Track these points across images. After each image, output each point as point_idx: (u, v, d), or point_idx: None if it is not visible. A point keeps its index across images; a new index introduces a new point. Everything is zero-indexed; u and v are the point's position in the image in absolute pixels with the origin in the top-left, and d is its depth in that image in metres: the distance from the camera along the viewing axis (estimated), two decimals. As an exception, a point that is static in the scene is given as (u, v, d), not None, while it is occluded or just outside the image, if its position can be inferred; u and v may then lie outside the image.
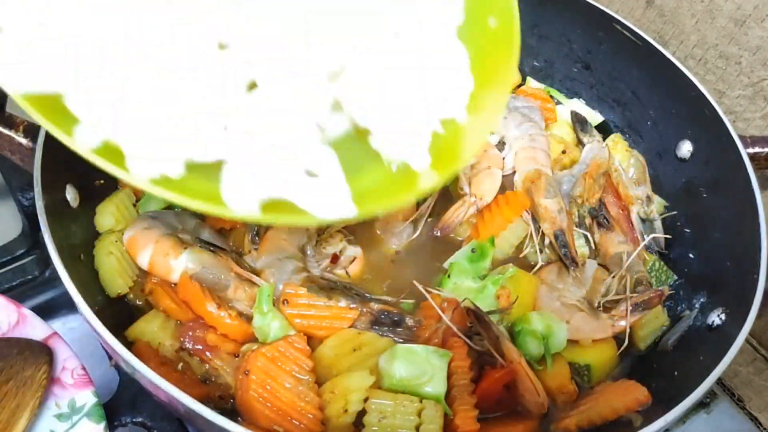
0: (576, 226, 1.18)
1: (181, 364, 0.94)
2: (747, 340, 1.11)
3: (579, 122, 1.36)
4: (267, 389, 0.86)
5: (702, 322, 1.03)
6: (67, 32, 0.57)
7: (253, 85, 0.62)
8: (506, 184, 1.22)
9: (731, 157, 1.10)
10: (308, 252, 1.05)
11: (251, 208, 0.60)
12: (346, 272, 1.07)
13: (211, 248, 1.00)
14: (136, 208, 1.10)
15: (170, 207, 1.09)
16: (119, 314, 0.98)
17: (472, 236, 1.14)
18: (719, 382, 1.24)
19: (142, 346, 0.93)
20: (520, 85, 1.45)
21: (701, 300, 1.08)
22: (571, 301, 1.06)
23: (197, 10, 0.60)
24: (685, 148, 1.24)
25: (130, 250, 1.01)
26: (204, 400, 0.73)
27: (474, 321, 0.96)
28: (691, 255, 1.18)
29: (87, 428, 0.86)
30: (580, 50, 1.41)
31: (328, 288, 0.98)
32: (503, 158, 1.26)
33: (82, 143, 0.57)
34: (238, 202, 0.60)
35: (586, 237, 1.18)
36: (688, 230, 1.22)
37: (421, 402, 0.87)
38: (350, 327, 0.96)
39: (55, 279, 0.91)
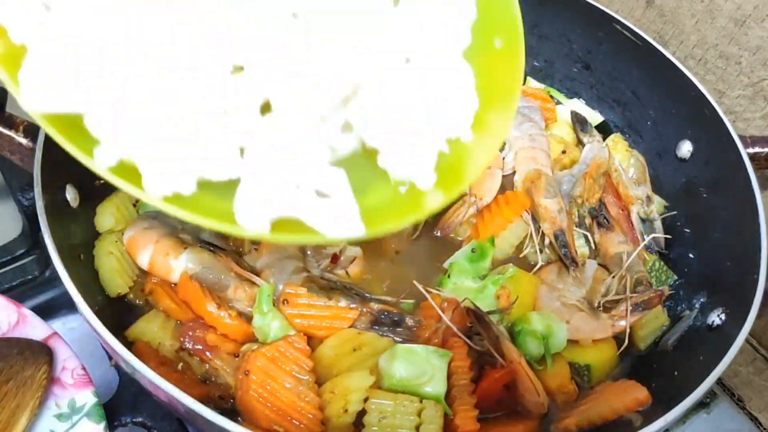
0: (576, 226, 1.18)
1: (181, 364, 0.94)
2: (747, 340, 1.11)
3: (579, 122, 1.36)
4: (267, 389, 0.86)
5: (702, 322, 1.03)
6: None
7: (266, 107, 0.62)
8: (506, 184, 1.22)
9: (731, 157, 1.10)
10: (308, 252, 1.05)
11: (263, 228, 0.61)
12: (346, 272, 1.07)
13: (211, 248, 1.00)
14: (136, 208, 1.10)
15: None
16: (119, 314, 0.98)
17: (472, 236, 1.14)
18: (719, 382, 1.24)
19: (142, 346, 0.92)
20: (519, 86, 1.45)
21: (701, 300, 1.08)
22: (571, 301, 1.06)
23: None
24: (685, 148, 1.24)
25: (130, 250, 1.01)
26: (204, 400, 0.73)
27: (474, 321, 0.96)
28: (691, 255, 1.18)
29: (87, 428, 0.86)
30: (580, 50, 1.41)
31: (328, 288, 0.98)
32: (503, 158, 1.26)
33: (101, 163, 0.58)
34: (251, 221, 0.61)
35: (586, 237, 1.18)
36: (688, 230, 1.22)
37: (421, 402, 0.87)
38: (350, 327, 0.96)
39: (55, 279, 0.91)
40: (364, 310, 0.96)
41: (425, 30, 0.70)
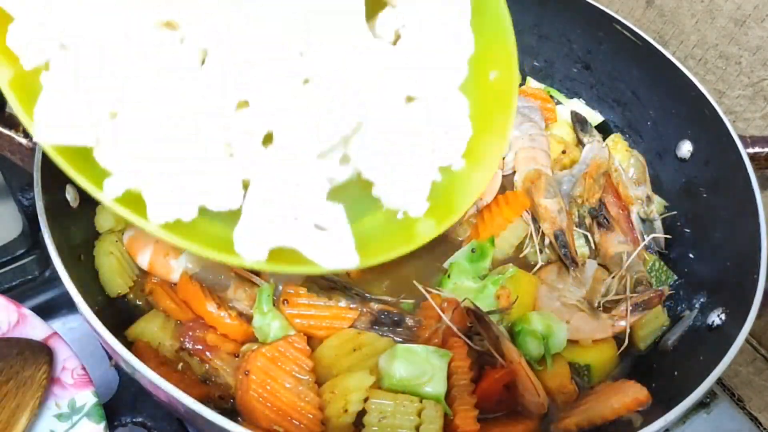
0: (576, 226, 1.17)
1: (181, 364, 0.94)
2: (747, 340, 1.11)
3: (579, 122, 1.36)
4: (267, 389, 0.86)
5: (702, 322, 1.03)
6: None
7: (268, 139, 0.64)
8: (506, 184, 1.22)
9: (731, 157, 1.10)
10: (308, 252, 1.05)
11: (261, 257, 0.63)
12: (347, 272, 1.07)
13: (211, 248, 1.00)
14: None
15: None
16: (119, 314, 0.98)
17: (472, 236, 1.14)
18: (719, 382, 1.24)
19: (142, 346, 0.92)
20: (520, 85, 1.45)
21: (701, 300, 1.08)
22: (571, 301, 1.06)
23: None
24: (685, 148, 1.24)
25: (130, 250, 1.01)
26: (204, 400, 0.73)
27: (474, 321, 0.96)
28: (691, 255, 1.18)
29: (87, 428, 0.86)
30: (580, 50, 1.41)
31: (328, 288, 0.98)
32: (503, 158, 1.26)
33: (109, 195, 0.60)
34: (250, 251, 0.63)
35: (586, 237, 1.18)
36: (688, 230, 1.22)
37: (421, 402, 0.87)
38: (350, 327, 0.96)
39: (55, 279, 0.91)
40: (364, 310, 0.96)
41: (425, 66, 0.71)
